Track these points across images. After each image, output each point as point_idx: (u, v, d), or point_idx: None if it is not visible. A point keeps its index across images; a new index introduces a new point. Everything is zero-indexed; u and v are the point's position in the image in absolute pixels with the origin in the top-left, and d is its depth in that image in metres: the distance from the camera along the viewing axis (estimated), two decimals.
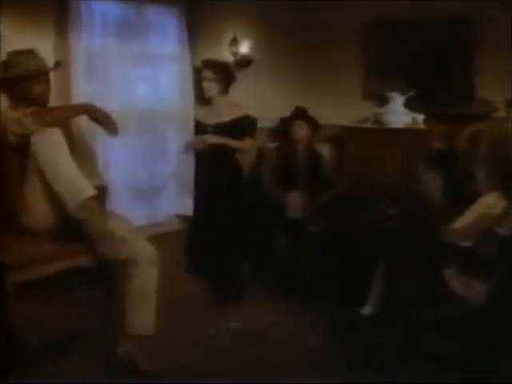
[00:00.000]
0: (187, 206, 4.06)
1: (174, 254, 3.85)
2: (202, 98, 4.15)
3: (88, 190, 2.61)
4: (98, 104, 2.85)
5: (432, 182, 2.96)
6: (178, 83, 4.04)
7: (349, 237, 3.63)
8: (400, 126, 4.04)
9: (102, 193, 2.83)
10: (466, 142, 2.85)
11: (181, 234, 4.01)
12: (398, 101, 4.10)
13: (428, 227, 2.84)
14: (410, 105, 4.04)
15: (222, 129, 3.91)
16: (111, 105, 3.41)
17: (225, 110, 4.00)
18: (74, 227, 2.62)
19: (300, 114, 4.19)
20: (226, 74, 4.01)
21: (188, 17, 3.99)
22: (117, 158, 3.68)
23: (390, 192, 3.56)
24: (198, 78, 4.11)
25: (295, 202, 4.01)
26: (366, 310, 3.14)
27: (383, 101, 4.20)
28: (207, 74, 3.93)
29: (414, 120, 4.02)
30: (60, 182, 2.59)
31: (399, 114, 4.08)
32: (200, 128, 3.99)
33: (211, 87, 3.94)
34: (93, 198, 2.61)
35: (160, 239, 3.43)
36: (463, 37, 3.92)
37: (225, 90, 4.01)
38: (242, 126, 3.98)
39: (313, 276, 3.79)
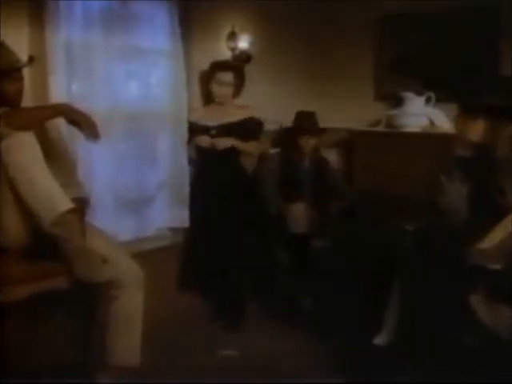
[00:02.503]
0: (180, 219, 3.98)
1: (165, 272, 3.75)
2: (201, 99, 4.12)
3: (65, 203, 2.51)
4: (77, 104, 2.76)
5: (457, 195, 2.82)
6: (169, 81, 3.96)
7: (359, 255, 3.53)
8: (416, 129, 4.01)
9: (81, 206, 2.75)
10: (506, 145, 2.69)
11: (173, 249, 3.93)
12: (413, 102, 4.05)
13: (451, 247, 2.71)
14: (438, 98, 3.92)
15: (226, 131, 3.87)
16: (94, 105, 3.37)
17: (229, 112, 3.98)
18: (49, 245, 2.52)
19: (305, 122, 4.04)
20: (242, 76, 4.04)
21: (181, 8, 3.90)
22: (101, 165, 3.58)
23: (406, 205, 3.45)
24: (191, 76, 4.02)
25: (299, 214, 3.91)
26: (380, 340, 3.00)
27: (397, 102, 4.12)
28: (226, 77, 3.93)
29: (432, 123, 3.93)
30: (33, 194, 2.49)
31: (415, 117, 4.01)
32: (198, 130, 3.90)
33: (226, 91, 3.94)
34: (70, 211, 2.52)
35: (149, 256, 3.41)
36: (488, 30, 3.82)
37: (238, 93, 4.04)
38: (247, 129, 3.94)
39: (318, 298, 3.72)
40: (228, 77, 3.90)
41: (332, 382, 2.91)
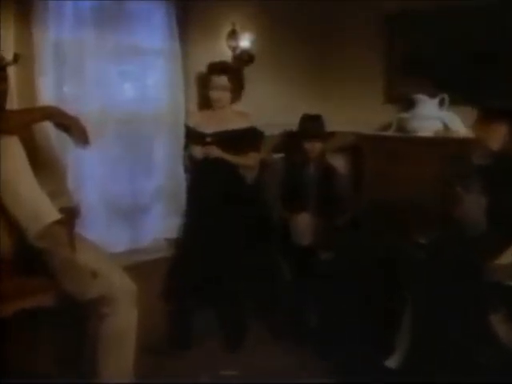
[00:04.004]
0: (178, 229, 3.88)
1: (161, 286, 3.67)
2: (198, 103, 4.08)
3: (51, 214, 2.45)
4: (67, 107, 2.70)
5: (474, 206, 2.75)
6: (166, 83, 3.92)
7: (368, 269, 3.45)
8: (429, 134, 3.98)
9: (70, 216, 2.67)
10: None
11: (170, 261, 3.82)
12: (426, 104, 4.03)
13: (468, 262, 2.64)
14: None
15: (223, 139, 3.77)
16: (86, 108, 3.33)
17: (226, 118, 3.88)
18: (35, 258, 2.45)
19: (311, 126, 3.97)
20: (239, 79, 3.93)
21: (179, 6, 3.85)
22: (92, 171, 3.53)
23: (418, 216, 3.39)
24: (190, 77, 3.99)
25: (303, 224, 3.80)
26: (392, 363, 2.93)
27: (408, 104, 4.10)
28: (220, 81, 3.81)
29: (446, 127, 3.90)
30: (18, 204, 2.43)
31: (428, 120, 3.99)
32: (194, 137, 3.84)
33: (223, 96, 3.83)
34: (58, 223, 2.45)
35: (144, 268, 3.39)
36: (503, 27, 3.80)
37: (237, 98, 3.93)
38: (247, 139, 3.83)
39: (324, 315, 3.63)
40: (223, 81, 3.79)
41: (329, 382, 2.97)
